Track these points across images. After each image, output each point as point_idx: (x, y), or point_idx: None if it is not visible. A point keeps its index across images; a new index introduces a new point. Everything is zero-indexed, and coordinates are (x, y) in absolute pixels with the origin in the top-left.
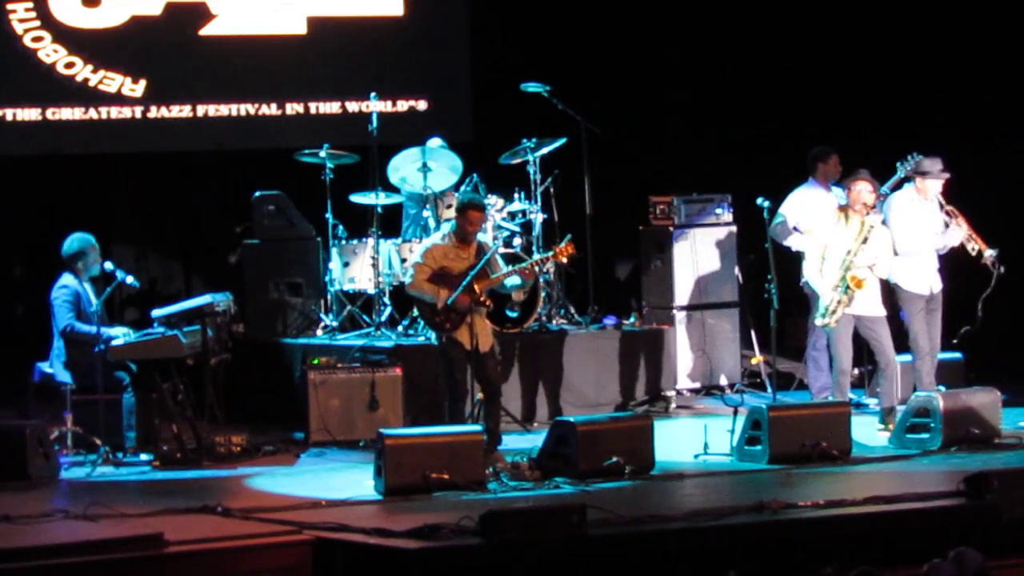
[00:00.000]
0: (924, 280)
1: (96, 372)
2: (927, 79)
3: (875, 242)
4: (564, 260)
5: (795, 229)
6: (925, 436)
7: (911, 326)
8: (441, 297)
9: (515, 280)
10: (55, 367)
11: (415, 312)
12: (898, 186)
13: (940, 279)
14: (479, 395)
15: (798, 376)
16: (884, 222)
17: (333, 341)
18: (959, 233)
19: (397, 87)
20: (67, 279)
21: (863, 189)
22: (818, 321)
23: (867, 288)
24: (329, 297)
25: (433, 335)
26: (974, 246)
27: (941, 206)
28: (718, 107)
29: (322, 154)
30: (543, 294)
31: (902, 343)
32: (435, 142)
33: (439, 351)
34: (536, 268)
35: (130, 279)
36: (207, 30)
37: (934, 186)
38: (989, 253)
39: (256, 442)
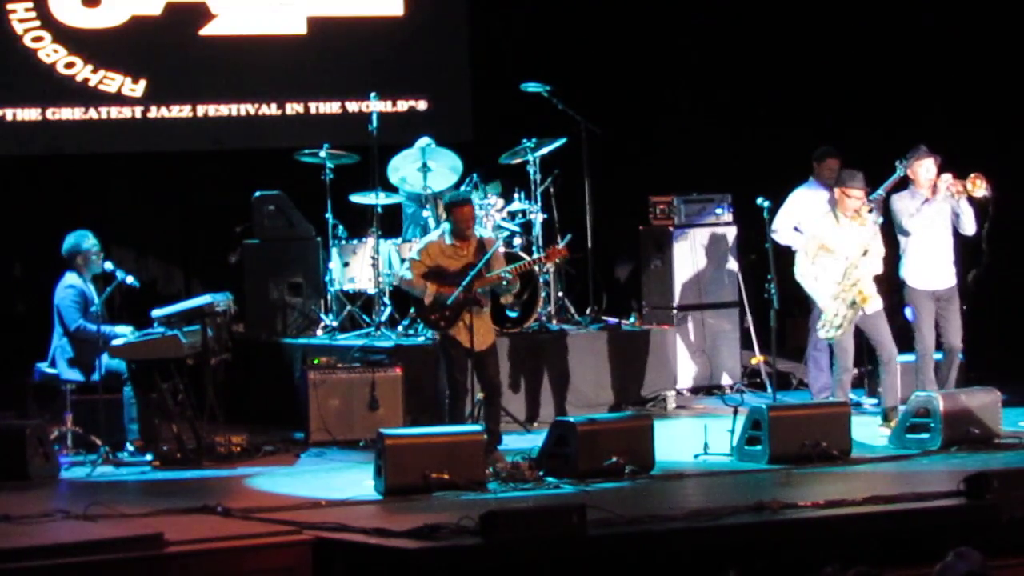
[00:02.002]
0: (931, 275)
1: (101, 367)
2: (928, 79)
3: (873, 252)
4: (557, 262)
5: (795, 229)
6: (925, 436)
7: (918, 323)
8: (429, 293)
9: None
10: (59, 366)
11: (413, 310)
12: (898, 185)
13: (955, 273)
14: (479, 395)
15: (798, 376)
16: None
17: (333, 341)
18: (944, 180)
19: (397, 87)
20: (71, 278)
21: (849, 197)
22: (821, 333)
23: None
24: (329, 297)
25: (435, 334)
26: (966, 188)
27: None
28: (718, 107)
29: (322, 154)
30: (543, 294)
31: (903, 342)
32: (424, 140)
33: (439, 349)
34: (527, 268)
35: (130, 279)
36: (207, 30)
37: (923, 170)
38: (978, 185)
39: (256, 442)
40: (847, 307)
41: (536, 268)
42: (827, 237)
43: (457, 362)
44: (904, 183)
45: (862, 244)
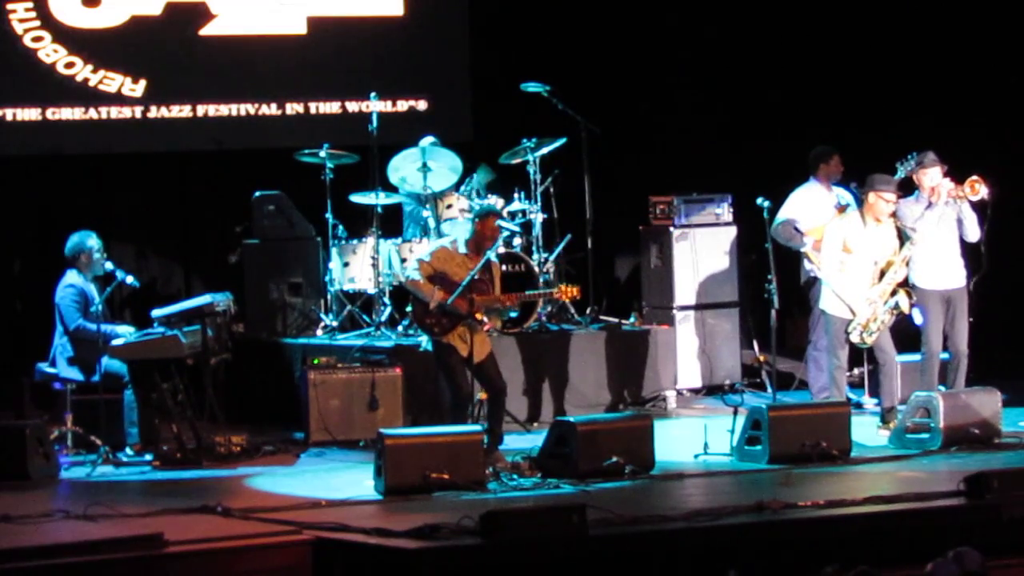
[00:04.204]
0: (940, 276)
1: (101, 368)
2: (928, 78)
3: (910, 259)
4: (566, 300)
5: (795, 229)
6: (925, 436)
7: (926, 325)
8: (435, 299)
9: (507, 312)
10: (59, 365)
11: (410, 309)
12: (905, 190)
13: (964, 274)
14: (479, 395)
15: (798, 376)
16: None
17: (333, 341)
18: (945, 186)
19: (397, 87)
20: (72, 277)
21: (884, 201)
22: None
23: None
24: (329, 297)
25: (427, 342)
26: (965, 192)
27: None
28: (718, 107)
29: (322, 154)
30: None
31: (907, 342)
32: (427, 140)
33: (435, 357)
34: (533, 300)
35: (130, 279)
36: (207, 30)
37: (927, 178)
38: (976, 189)
39: (256, 442)
40: (885, 312)
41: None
42: (851, 237)
43: (457, 368)
44: (910, 188)
45: (887, 249)
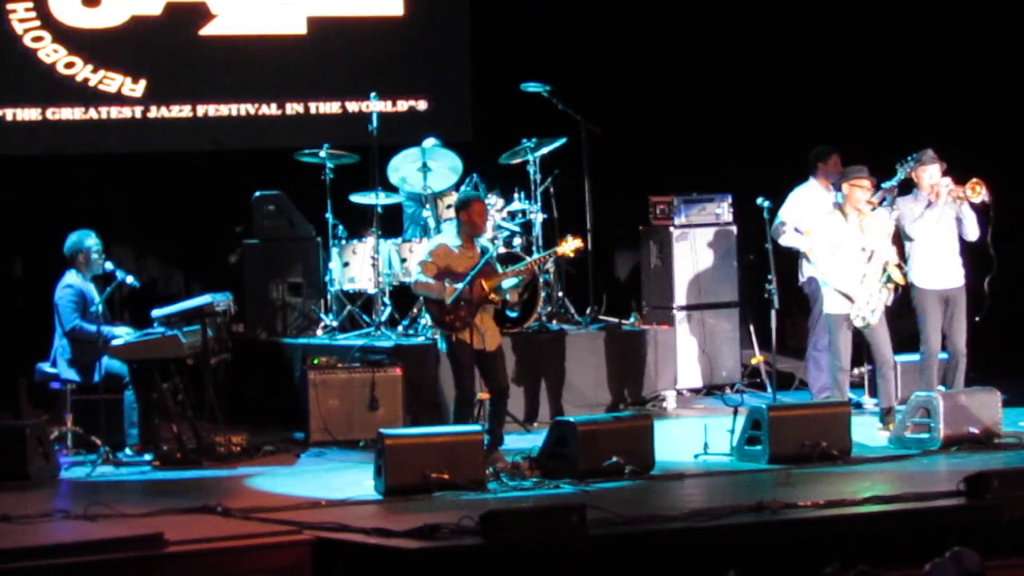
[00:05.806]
0: (938, 276)
1: (101, 368)
2: (928, 78)
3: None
4: (571, 254)
5: (795, 229)
6: (925, 436)
7: (924, 324)
8: (448, 293)
9: (512, 281)
10: (59, 365)
11: (417, 310)
12: (900, 186)
13: (963, 274)
14: (479, 395)
15: (798, 376)
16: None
17: (333, 341)
18: (945, 185)
19: (397, 87)
20: (71, 277)
21: (860, 188)
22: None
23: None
24: (329, 297)
25: (438, 337)
26: (966, 193)
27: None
28: (718, 107)
29: (322, 154)
30: (543, 294)
31: (906, 342)
32: (430, 142)
33: (448, 354)
34: (536, 267)
35: (130, 279)
36: (207, 30)
37: (927, 175)
38: (977, 191)
39: (256, 442)
40: (879, 288)
41: (548, 265)
42: (835, 236)
43: (465, 366)
44: (908, 186)
45: (874, 235)
